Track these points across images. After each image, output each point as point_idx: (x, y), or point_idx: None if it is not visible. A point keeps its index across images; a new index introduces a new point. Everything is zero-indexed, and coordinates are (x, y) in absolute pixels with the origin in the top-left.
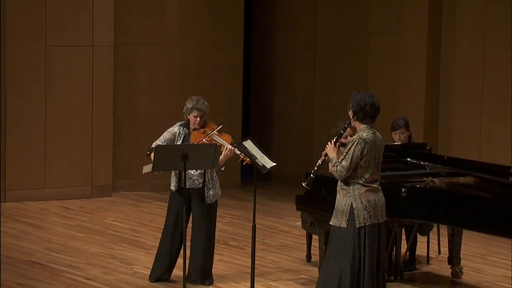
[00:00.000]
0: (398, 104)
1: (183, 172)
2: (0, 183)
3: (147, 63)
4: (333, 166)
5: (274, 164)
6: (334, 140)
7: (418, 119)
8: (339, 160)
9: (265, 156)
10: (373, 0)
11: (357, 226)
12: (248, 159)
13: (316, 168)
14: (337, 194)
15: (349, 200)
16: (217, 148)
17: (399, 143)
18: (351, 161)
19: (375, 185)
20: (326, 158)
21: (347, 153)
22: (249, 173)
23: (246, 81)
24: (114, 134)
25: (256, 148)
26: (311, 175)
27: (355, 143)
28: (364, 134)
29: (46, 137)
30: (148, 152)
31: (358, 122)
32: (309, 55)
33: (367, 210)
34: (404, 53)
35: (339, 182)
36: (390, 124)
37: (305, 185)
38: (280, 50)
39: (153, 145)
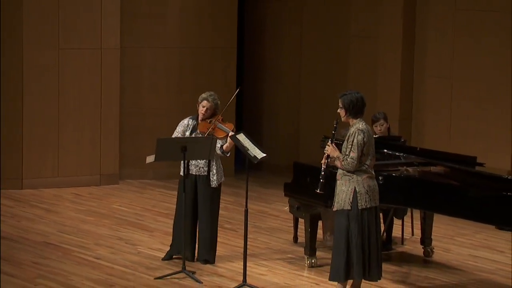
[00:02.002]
0: (376, 101)
1: (188, 162)
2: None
3: (151, 64)
4: (342, 161)
5: (264, 155)
6: (330, 141)
7: (393, 115)
8: (347, 153)
9: (256, 148)
10: (353, 7)
11: (360, 208)
12: None
13: (322, 173)
14: (338, 181)
15: (352, 185)
16: (213, 140)
17: (378, 135)
18: (357, 150)
19: (373, 172)
20: (328, 160)
21: (352, 145)
22: (242, 163)
23: (239, 80)
24: (120, 128)
25: (248, 141)
26: (321, 180)
27: (356, 134)
28: (360, 126)
29: (59, 131)
30: None
31: (351, 118)
32: (295, 57)
33: (368, 194)
34: (381, 54)
35: (340, 171)
36: (369, 119)
37: (319, 191)
38: (270, 52)
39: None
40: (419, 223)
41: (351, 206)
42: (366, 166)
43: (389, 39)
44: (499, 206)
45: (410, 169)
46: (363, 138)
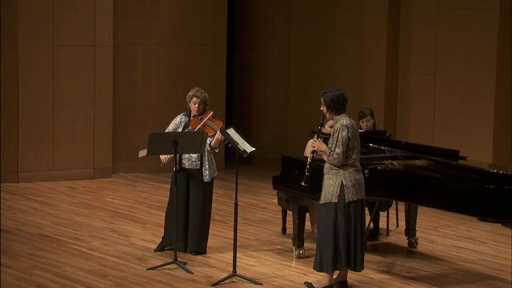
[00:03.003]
0: (362, 96)
1: (181, 155)
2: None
3: (143, 61)
4: (328, 156)
5: (254, 149)
6: (316, 136)
7: (379, 110)
8: (332, 149)
9: (245, 142)
10: (339, 6)
11: (347, 201)
12: None
13: (308, 166)
14: (325, 175)
15: (339, 178)
16: (204, 135)
17: (364, 130)
18: (343, 146)
19: (359, 165)
20: (314, 154)
21: (337, 140)
22: (232, 157)
23: (229, 76)
24: (113, 123)
25: (238, 135)
26: (306, 173)
27: (340, 129)
28: (344, 121)
29: (54, 127)
30: None
31: (334, 114)
32: (283, 54)
33: (354, 187)
34: (366, 51)
35: (327, 165)
36: (356, 114)
37: (304, 183)
38: (259, 49)
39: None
40: (404, 215)
41: (338, 199)
42: (353, 160)
43: (374, 36)
44: (481, 198)
45: (395, 162)
46: (347, 134)
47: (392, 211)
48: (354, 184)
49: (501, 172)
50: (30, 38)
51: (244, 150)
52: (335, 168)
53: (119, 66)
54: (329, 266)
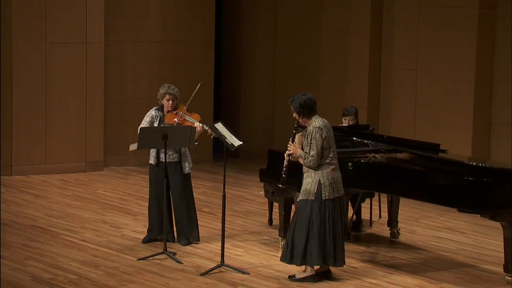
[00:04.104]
0: (345, 92)
1: (159, 150)
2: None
3: (133, 58)
4: (304, 159)
5: (241, 143)
6: (291, 140)
7: (362, 104)
8: (307, 152)
9: (233, 136)
10: (325, 4)
11: (324, 199)
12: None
13: (284, 169)
14: (304, 174)
15: (317, 177)
16: (193, 129)
17: (345, 125)
18: (317, 149)
19: (337, 163)
20: (290, 157)
21: (311, 143)
22: (220, 150)
23: (217, 73)
24: (105, 118)
25: (226, 129)
26: (283, 175)
27: (314, 132)
28: (316, 123)
29: (47, 121)
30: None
31: (305, 118)
32: (270, 51)
33: (331, 186)
34: (350, 48)
35: None
36: (339, 109)
37: (281, 185)
38: (246, 46)
39: (140, 127)
40: (386, 206)
41: (315, 197)
42: (330, 158)
43: (358, 34)
44: (461, 190)
45: (378, 156)
46: (321, 135)
47: (375, 202)
48: (331, 183)
49: (480, 164)
50: (23, 36)
51: (232, 144)
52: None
53: (110, 62)
54: (299, 260)
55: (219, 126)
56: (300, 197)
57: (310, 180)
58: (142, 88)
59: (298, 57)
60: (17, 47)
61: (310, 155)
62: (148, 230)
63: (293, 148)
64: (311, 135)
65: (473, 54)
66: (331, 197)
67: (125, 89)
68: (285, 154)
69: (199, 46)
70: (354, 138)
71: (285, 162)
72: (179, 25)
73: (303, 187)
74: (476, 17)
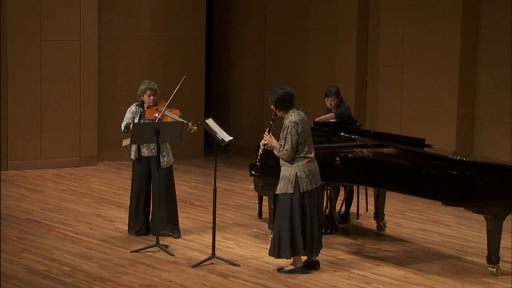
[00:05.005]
0: None
1: (140, 145)
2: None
3: (126, 55)
4: (279, 151)
5: (231, 138)
6: (267, 130)
7: (349, 101)
8: (282, 145)
9: (223, 132)
10: (313, 2)
11: (301, 191)
12: (194, 127)
13: (258, 157)
14: (282, 167)
15: (293, 170)
16: (185, 125)
17: (329, 108)
18: (291, 143)
19: (312, 155)
20: (266, 147)
21: (286, 137)
22: (211, 145)
23: (208, 70)
24: (98, 114)
25: (216, 125)
26: (257, 163)
27: (289, 127)
28: (293, 118)
29: (41, 117)
30: (125, 130)
31: (282, 112)
32: (260, 48)
33: (309, 178)
34: (338, 46)
35: None
36: (326, 105)
37: (254, 173)
38: (236, 43)
39: (123, 123)
40: (373, 199)
41: (293, 190)
42: (305, 152)
43: (345, 32)
44: (446, 184)
45: (364, 150)
46: (296, 130)
47: (362, 196)
48: (308, 175)
49: (464, 159)
50: (18, 34)
51: (222, 139)
52: (290, 161)
53: (103, 59)
54: (288, 252)
55: (210, 121)
56: (279, 190)
57: (287, 174)
58: (134, 84)
59: (287, 54)
60: (13, 45)
61: (284, 148)
62: (128, 224)
63: (269, 139)
64: (287, 129)
65: (457, 52)
66: (309, 189)
67: (118, 85)
68: (260, 143)
69: (190, 44)
70: (342, 134)
71: (260, 151)
72: (171, 23)
73: (280, 181)
74: (459, 15)
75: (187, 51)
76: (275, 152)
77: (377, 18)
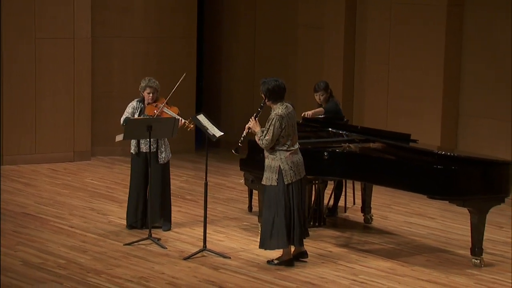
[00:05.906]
0: None
1: (139, 140)
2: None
3: (119, 52)
4: (258, 139)
5: (222, 133)
6: (254, 116)
7: (337, 96)
8: (263, 134)
9: (214, 127)
10: (301, 0)
11: (286, 183)
12: (191, 125)
13: (242, 139)
14: (266, 160)
15: (277, 162)
16: (176, 121)
17: (319, 102)
18: (272, 135)
19: (295, 147)
20: (249, 130)
21: (268, 128)
22: (202, 140)
23: (199, 66)
24: (92, 110)
25: (207, 121)
26: (239, 144)
27: (274, 120)
28: (279, 111)
29: (36, 113)
30: (124, 124)
31: (271, 102)
32: (249, 45)
33: (292, 170)
34: (326, 43)
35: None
36: (316, 100)
37: (234, 151)
38: (226, 40)
39: (123, 117)
40: (360, 193)
41: (277, 182)
42: (287, 145)
43: (333, 29)
44: (431, 178)
45: (352, 145)
46: (280, 124)
47: (349, 190)
48: (291, 167)
49: (448, 153)
50: (13, 32)
51: (213, 134)
52: (273, 153)
53: (97, 57)
54: (271, 243)
55: (201, 117)
56: (264, 181)
57: (271, 165)
58: (127, 81)
59: (276, 50)
60: (7, 42)
61: (265, 138)
62: (126, 216)
63: (253, 124)
64: (271, 121)
65: (442, 49)
66: (293, 180)
67: (111, 82)
68: (246, 125)
69: (182, 41)
70: (330, 129)
71: (244, 133)
72: (163, 20)
73: (265, 173)
74: (444, 14)
75: (179, 49)
76: (256, 138)
77: (364, 16)
